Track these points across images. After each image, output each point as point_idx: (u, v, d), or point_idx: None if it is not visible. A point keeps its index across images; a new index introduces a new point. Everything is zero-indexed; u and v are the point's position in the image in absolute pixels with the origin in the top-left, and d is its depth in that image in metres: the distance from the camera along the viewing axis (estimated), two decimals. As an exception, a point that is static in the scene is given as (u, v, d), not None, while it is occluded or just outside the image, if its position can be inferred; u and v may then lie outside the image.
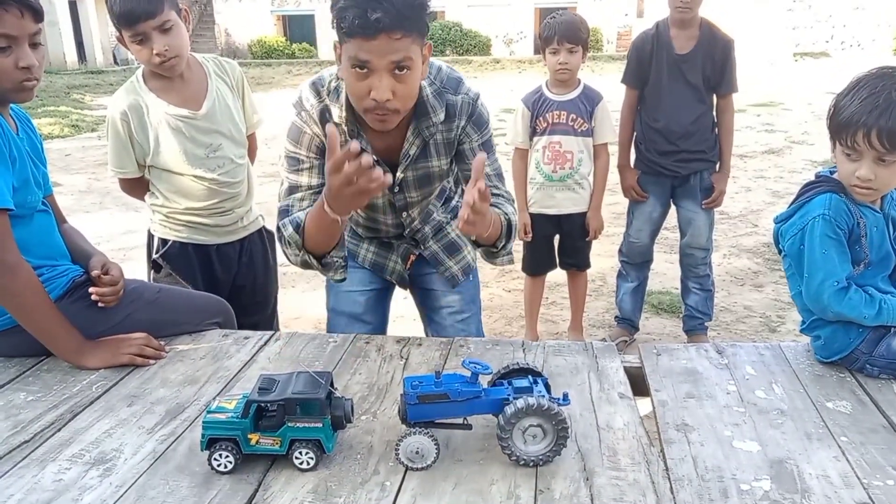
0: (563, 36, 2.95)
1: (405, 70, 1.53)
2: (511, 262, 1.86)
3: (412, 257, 2.10)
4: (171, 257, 2.35)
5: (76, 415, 1.57)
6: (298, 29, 26.68)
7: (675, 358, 1.79)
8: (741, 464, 1.35)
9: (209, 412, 1.37)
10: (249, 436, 1.34)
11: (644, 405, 1.59)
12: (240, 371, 1.77)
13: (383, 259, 2.10)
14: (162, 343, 1.87)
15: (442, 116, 1.73)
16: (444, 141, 1.79)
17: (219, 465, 1.33)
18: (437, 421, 1.38)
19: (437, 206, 2.02)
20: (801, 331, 1.81)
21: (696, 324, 3.40)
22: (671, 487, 1.29)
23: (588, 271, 3.45)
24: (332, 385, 1.40)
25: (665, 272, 4.33)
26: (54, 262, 1.88)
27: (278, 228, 1.76)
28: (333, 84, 1.73)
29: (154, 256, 2.37)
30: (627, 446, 1.41)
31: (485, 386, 1.41)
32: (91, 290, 1.83)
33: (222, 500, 1.27)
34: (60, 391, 1.68)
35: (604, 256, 4.39)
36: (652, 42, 3.10)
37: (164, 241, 2.36)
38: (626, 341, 3.43)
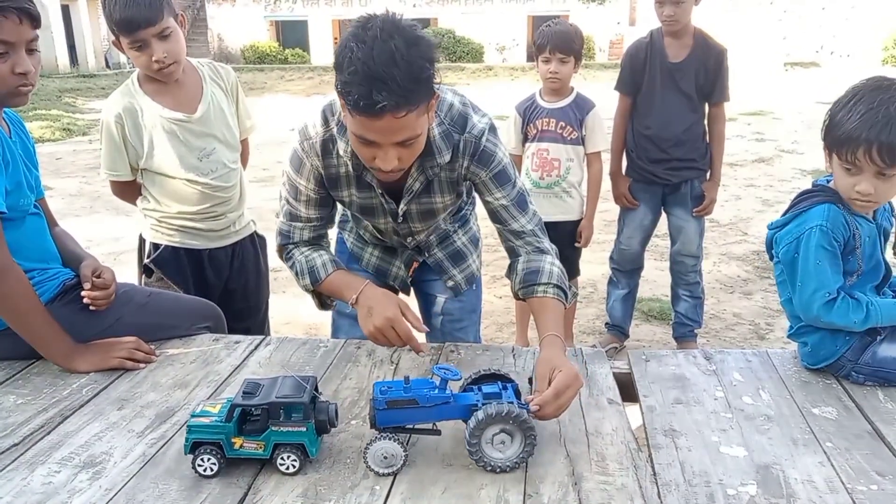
0: (555, 46, 2.96)
1: (411, 142, 1.50)
2: (575, 295, 1.81)
3: (415, 264, 2.10)
4: (163, 262, 2.34)
5: (66, 418, 1.57)
6: (292, 34, 26.70)
7: (664, 364, 1.80)
8: (728, 469, 1.37)
9: (193, 416, 1.37)
10: (233, 440, 1.34)
11: (635, 415, 1.60)
12: (230, 375, 1.77)
13: (387, 264, 2.10)
14: (152, 347, 1.88)
15: (447, 158, 1.68)
16: (448, 179, 1.75)
17: (203, 469, 1.34)
18: (406, 426, 1.39)
19: (446, 219, 1.99)
20: (789, 336, 1.83)
21: (685, 331, 3.41)
22: (659, 492, 1.30)
23: (579, 278, 3.46)
24: (316, 389, 1.41)
25: (655, 279, 4.35)
26: (45, 266, 1.88)
27: (284, 250, 1.86)
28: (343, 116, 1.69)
29: (145, 261, 2.37)
30: (616, 451, 1.42)
31: (455, 391, 1.42)
32: (83, 293, 1.83)
33: (212, 503, 1.27)
34: (50, 394, 1.68)
35: (594, 263, 4.40)
36: (646, 50, 3.12)
37: (155, 246, 2.36)
38: (617, 348, 3.45)
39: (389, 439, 1.34)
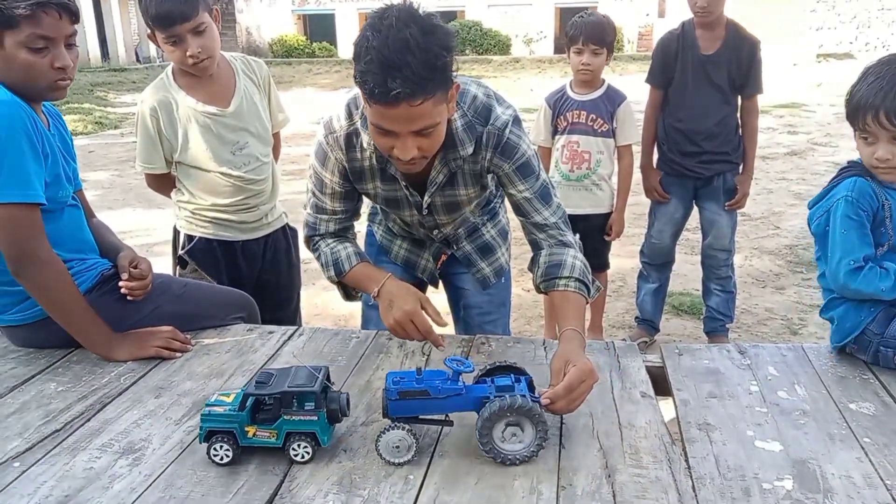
0: (588, 37, 2.94)
1: (429, 131, 1.49)
2: (599, 290, 1.78)
3: (444, 256, 2.11)
4: (197, 253, 2.38)
5: (105, 405, 1.60)
6: (319, 28, 26.84)
7: (697, 358, 1.79)
8: (763, 463, 1.36)
9: (207, 405, 1.39)
10: (246, 428, 1.36)
11: (667, 409, 1.59)
12: (264, 365, 1.79)
13: (415, 257, 2.10)
14: (188, 336, 1.91)
15: (470, 150, 1.68)
16: (472, 172, 1.75)
17: (217, 457, 1.36)
18: (420, 417, 1.39)
19: (474, 212, 1.99)
20: (820, 313, 1.86)
21: (717, 325, 3.38)
22: (693, 485, 1.29)
23: (608, 272, 3.44)
24: (328, 379, 1.42)
25: (686, 273, 4.31)
26: (84, 256, 1.92)
27: (311, 241, 1.90)
28: None
29: (180, 252, 2.41)
30: (649, 444, 1.42)
31: (468, 383, 1.42)
32: (120, 283, 1.86)
33: (248, 490, 1.29)
34: (89, 382, 1.71)
35: (624, 257, 4.38)
36: (677, 42, 3.09)
37: (189, 238, 2.39)
38: (647, 342, 3.42)
39: (401, 429, 1.35)
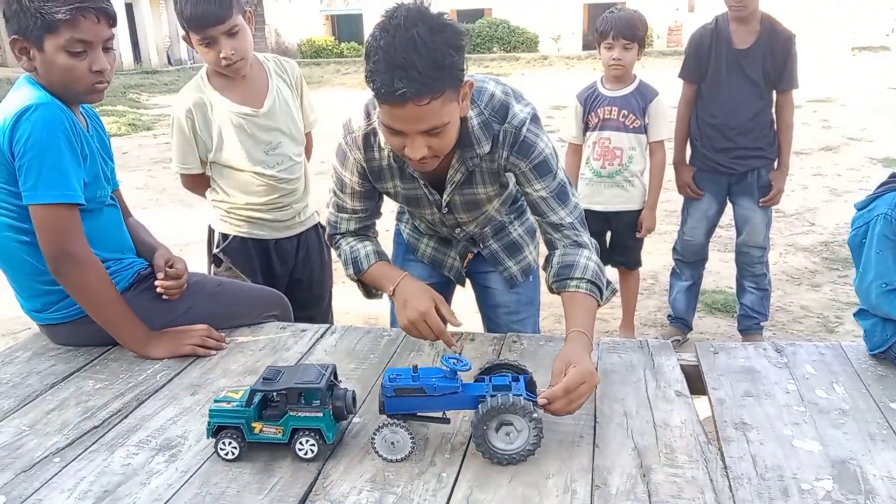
0: (619, 32, 2.93)
1: (438, 130, 1.49)
2: (614, 292, 1.77)
3: (470, 255, 2.10)
4: (232, 251, 2.41)
5: (142, 402, 1.63)
6: (347, 28, 27.00)
7: (733, 356, 1.77)
8: (802, 463, 1.33)
9: (216, 401, 1.41)
10: (253, 424, 1.37)
11: (703, 408, 1.58)
12: (297, 363, 1.80)
13: (442, 255, 2.11)
14: (222, 334, 1.93)
15: (487, 148, 1.67)
16: (489, 170, 1.74)
17: (224, 453, 1.37)
18: (418, 414, 1.39)
19: (500, 210, 1.98)
20: (854, 314, 1.83)
21: (751, 323, 3.34)
22: (730, 486, 1.28)
23: (640, 269, 3.42)
24: (335, 377, 1.43)
25: (719, 271, 4.26)
26: (121, 256, 1.94)
27: (333, 240, 1.93)
28: None
29: (215, 251, 2.44)
30: (685, 444, 1.40)
31: (466, 381, 1.42)
32: (156, 282, 1.89)
33: (283, 486, 1.30)
34: (126, 379, 1.74)
35: (657, 254, 4.34)
36: (711, 36, 3.05)
37: (224, 236, 2.42)
38: (680, 340, 3.39)
39: (397, 426, 1.35)
